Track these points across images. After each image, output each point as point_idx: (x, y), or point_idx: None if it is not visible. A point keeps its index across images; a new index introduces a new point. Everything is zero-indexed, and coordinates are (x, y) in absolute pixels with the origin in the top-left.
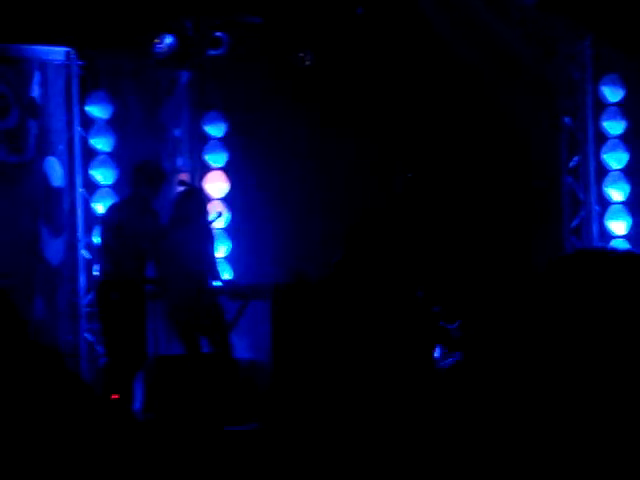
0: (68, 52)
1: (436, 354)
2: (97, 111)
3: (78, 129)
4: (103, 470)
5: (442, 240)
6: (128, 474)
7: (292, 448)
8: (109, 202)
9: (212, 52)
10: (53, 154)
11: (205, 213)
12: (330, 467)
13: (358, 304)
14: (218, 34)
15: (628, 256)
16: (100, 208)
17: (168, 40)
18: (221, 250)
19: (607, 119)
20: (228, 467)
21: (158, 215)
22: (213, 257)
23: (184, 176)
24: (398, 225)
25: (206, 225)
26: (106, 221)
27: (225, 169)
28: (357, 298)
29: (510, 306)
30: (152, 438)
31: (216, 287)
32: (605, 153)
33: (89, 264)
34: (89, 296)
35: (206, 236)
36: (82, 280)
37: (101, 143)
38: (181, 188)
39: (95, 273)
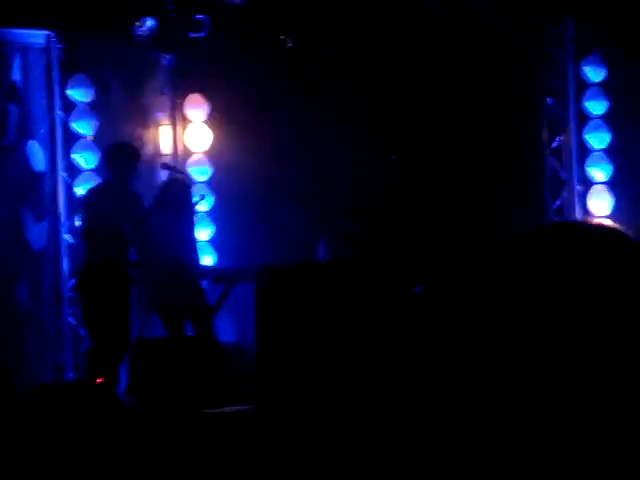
0: (48, 35)
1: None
2: (78, 95)
3: (59, 113)
4: (89, 453)
5: (425, 221)
6: (114, 457)
7: (278, 431)
8: (91, 186)
9: (194, 34)
10: (34, 138)
11: (189, 197)
12: (316, 451)
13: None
14: (199, 16)
15: (601, 230)
16: (82, 192)
17: (149, 23)
18: (204, 234)
19: (589, 99)
20: (211, 450)
21: (139, 198)
22: (195, 242)
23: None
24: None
25: (190, 210)
26: (85, 205)
27: (208, 152)
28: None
29: (483, 279)
30: (136, 421)
31: (199, 271)
32: (587, 133)
33: (72, 248)
34: (72, 280)
35: (189, 221)
36: (65, 264)
37: (83, 127)
38: (164, 172)
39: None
